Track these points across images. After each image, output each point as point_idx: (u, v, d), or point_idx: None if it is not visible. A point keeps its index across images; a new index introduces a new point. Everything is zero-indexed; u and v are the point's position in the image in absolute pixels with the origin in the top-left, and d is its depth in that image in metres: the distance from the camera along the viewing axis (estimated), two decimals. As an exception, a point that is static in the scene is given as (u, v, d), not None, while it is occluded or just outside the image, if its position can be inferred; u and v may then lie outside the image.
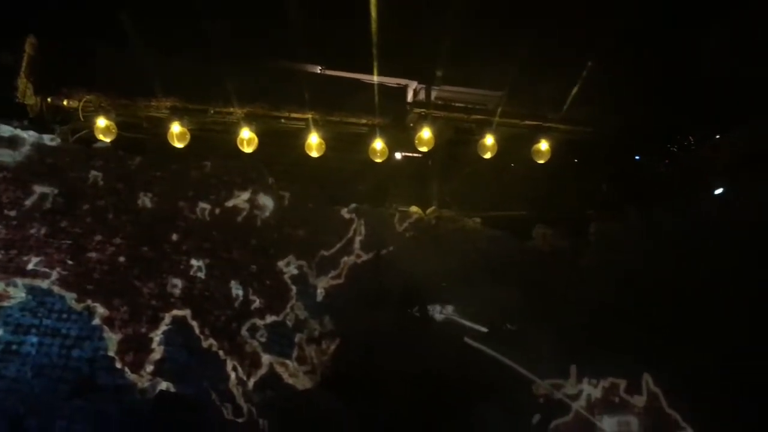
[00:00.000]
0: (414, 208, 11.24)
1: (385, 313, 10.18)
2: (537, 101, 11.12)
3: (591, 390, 9.50)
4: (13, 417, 7.33)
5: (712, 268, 9.46)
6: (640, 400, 9.39)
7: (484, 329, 10.16)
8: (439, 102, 11.27)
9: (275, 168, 10.92)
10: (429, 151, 11.19)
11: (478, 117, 11.20)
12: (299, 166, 11.15)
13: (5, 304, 8.28)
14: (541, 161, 11.18)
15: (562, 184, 11.69)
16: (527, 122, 11.25)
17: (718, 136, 11.08)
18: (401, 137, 11.17)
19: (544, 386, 9.48)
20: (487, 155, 10.99)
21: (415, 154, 11.77)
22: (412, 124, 11.14)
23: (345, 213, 10.82)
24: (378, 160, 10.91)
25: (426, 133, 10.83)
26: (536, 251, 11.19)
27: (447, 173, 11.83)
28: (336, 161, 11.19)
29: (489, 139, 10.93)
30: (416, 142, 10.94)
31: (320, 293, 10.21)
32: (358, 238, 10.67)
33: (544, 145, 11.09)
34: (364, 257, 10.60)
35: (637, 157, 12.10)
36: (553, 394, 9.45)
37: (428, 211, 11.32)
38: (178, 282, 9.25)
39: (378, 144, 10.78)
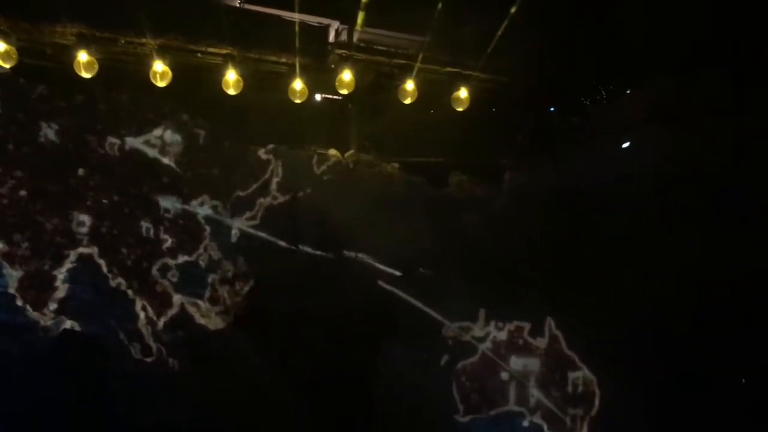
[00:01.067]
0: (332, 151, 11.16)
1: (299, 255, 10.20)
2: (458, 49, 11.12)
3: (497, 333, 9.92)
4: None
5: (615, 218, 9.94)
6: (542, 342, 9.89)
7: (398, 273, 10.35)
8: (362, 44, 11.09)
9: (190, 104, 10.54)
10: (349, 94, 11.06)
11: (400, 62, 11.11)
12: (215, 103, 10.79)
13: None
14: (460, 109, 11.27)
15: (480, 132, 11.85)
16: (448, 69, 11.25)
17: (628, 91, 11.47)
18: (321, 78, 10.98)
19: (453, 329, 9.82)
20: (408, 101, 10.96)
21: (335, 97, 11.62)
22: (333, 66, 10.95)
23: (262, 153, 10.63)
24: (297, 101, 10.71)
25: (347, 76, 10.67)
26: (452, 198, 11.39)
27: (367, 117, 11.78)
28: (254, 100, 10.89)
29: (410, 85, 10.89)
30: (336, 84, 10.77)
31: (235, 234, 10.08)
32: (274, 180, 10.52)
33: (463, 93, 11.14)
34: (281, 199, 10.50)
35: (551, 109, 12.40)
36: (461, 336, 9.81)
37: (347, 154, 11.27)
38: (85, 219, 8.92)
39: (297, 84, 10.56)
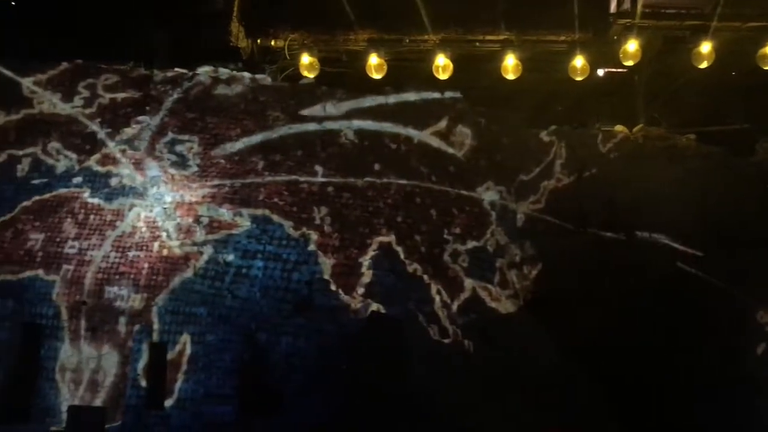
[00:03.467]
0: (619, 127, 10.63)
1: (587, 237, 9.90)
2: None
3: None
4: (247, 332, 8.25)
5: None
6: None
7: (698, 253, 9.53)
8: (647, 10, 10.36)
9: (470, 93, 10.83)
10: (635, 65, 10.43)
11: (693, 23, 10.18)
12: (494, 90, 10.96)
13: (234, 232, 9.18)
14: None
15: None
16: (751, 24, 10.02)
17: None
18: (603, 52, 10.52)
19: (770, 314, 8.75)
20: (703, 65, 10.02)
21: (619, 70, 11.05)
22: (615, 37, 10.42)
23: (544, 136, 10.50)
24: (578, 78, 10.43)
25: (632, 46, 10.12)
26: (760, 168, 10.15)
27: (655, 88, 11.00)
28: (532, 82, 10.85)
29: (705, 47, 9.95)
30: (621, 56, 10.26)
31: (520, 218, 10.13)
32: (558, 161, 10.34)
33: (773, 48, 9.86)
34: (565, 181, 10.29)
35: None
36: (781, 323, 8.71)
37: (635, 129, 10.65)
38: (382, 209, 9.64)
39: (578, 61, 10.29)
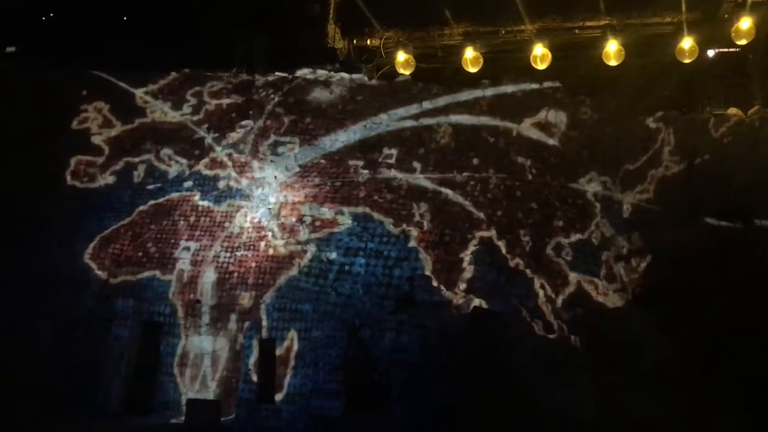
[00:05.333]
0: (732, 110, 10.04)
1: (700, 227, 9.42)
2: None
3: None
4: (351, 328, 8.39)
5: None
6: None
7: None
8: (762, -15, 9.76)
9: (569, 82, 10.55)
10: (748, 44, 9.81)
11: (811, -5, 9.49)
12: (594, 77, 10.62)
13: (336, 230, 9.36)
14: None
15: None
16: None
17: None
18: (713, 32, 9.96)
19: None
20: (827, 39, 9.32)
21: (732, 49, 10.43)
22: (726, 16, 9.84)
23: (650, 122, 10.07)
24: (686, 61, 9.92)
25: (745, 24, 9.52)
26: None
27: (772, 66, 10.32)
28: (634, 68, 10.43)
29: (826, 20, 9.24)
30: (732, 35, 9.67)
31: (626, 209, 9.78)
32: (666, 149, 9.89)
33: None
34: (675, 168, 9.84)
35: None
36: None
37: (750, 112, 10.02)
38: (483, 203, 9.55)
39: (686, 43, 9.79)
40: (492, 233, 9.25)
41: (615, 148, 9.98)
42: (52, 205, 9.86)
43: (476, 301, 8.56)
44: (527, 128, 10.11)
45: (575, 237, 9.47)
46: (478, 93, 10.41)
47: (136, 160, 10.34)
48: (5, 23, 12.10)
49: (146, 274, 9.34)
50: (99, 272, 9.33)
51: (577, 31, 10.24)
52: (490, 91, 10.39)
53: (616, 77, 10.35)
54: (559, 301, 8.98)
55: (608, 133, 10.05)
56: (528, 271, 9.03)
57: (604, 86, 10.58)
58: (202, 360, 8.96)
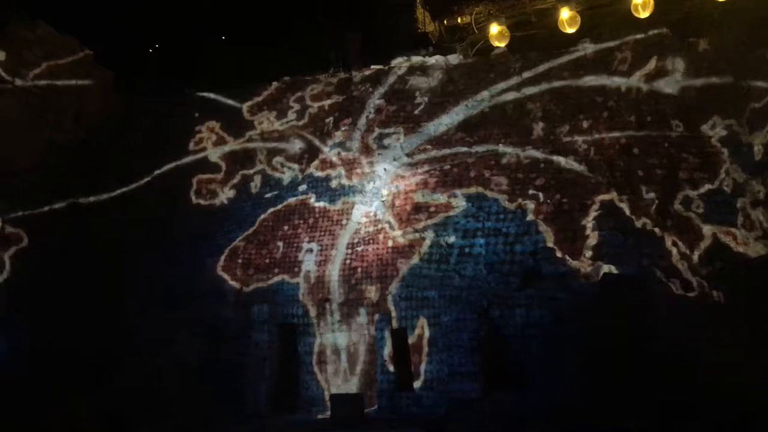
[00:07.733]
0: None
1: None
2: None
3: None
4: (479, 308, 8.33)
5: None
6: None
7: None
8: None
9: (676, 25, 9.93)
10: None
11: None
12: (702, 17, 9.93)
13: (452, 213, 9.33)
14: None
15: None
16: None
17: None
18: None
19: None
20: None
21: None
22: None
23: (774, 54, 9.32)
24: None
25: None
26: None
27: None
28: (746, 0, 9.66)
29: None
30: None
31: (758, 151, 9.09)
32: (796, 80, 9.11)
33: None
34: (809, 100, 9.04)
35: None
36: None
37: None
38: (599, 166, 9.19)
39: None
40: (612, 195, 8.89)
41: (737, 87, 9.31)
42: (181, 224, 10.46)
43: (605, 268, 8.26)
44: (637, 81, 9.62)
45: (704, 187, 8.93)
46: (579, 53, 10.05)
47: (251, 171, 10.77)
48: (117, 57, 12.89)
49: (276, 279, 9.72)
50: (233, 283, 9.80)
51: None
52: (591, 49, 9.99)
53: (728, 11, 9.62)
54: (695, 257, 8.50)
55: (731, 73, 9.37)
56: (657, 229, 8.60)
57: (715, 24, 9.87)
58: (339, 356, 9.22)
